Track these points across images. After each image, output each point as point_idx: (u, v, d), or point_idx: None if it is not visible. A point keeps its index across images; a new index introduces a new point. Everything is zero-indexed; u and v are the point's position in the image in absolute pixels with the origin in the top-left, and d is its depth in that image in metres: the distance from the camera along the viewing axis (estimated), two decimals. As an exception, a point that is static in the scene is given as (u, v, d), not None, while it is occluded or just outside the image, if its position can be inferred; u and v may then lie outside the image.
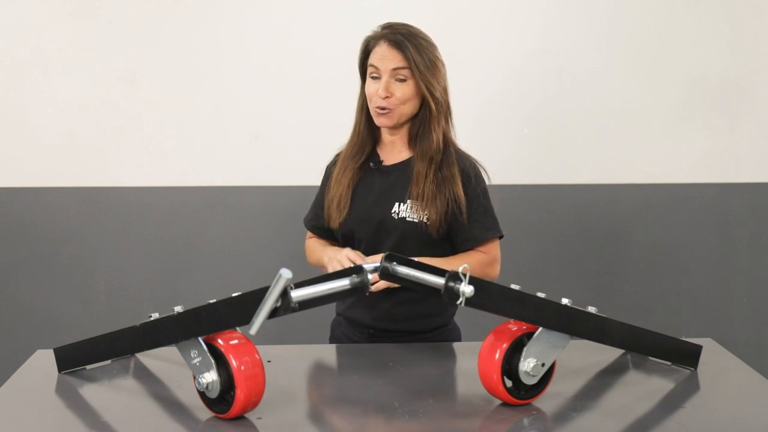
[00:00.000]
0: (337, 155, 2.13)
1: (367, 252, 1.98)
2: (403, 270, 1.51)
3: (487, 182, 2.03)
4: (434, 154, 1.97)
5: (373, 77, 1.96)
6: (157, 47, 2.94)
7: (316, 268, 2.10)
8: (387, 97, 1.93)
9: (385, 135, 2.05)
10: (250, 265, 3.03)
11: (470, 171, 2.00)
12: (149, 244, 3.03)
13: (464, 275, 1.41)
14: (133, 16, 2.92)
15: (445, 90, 1.99)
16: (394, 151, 2.05)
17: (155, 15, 2.93)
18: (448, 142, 2.01)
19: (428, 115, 1.97)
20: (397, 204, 1.97)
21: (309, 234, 2.19)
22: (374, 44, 1.97)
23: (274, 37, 2.96)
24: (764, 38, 3.03)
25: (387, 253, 1.52)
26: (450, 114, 2.03)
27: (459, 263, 1.84)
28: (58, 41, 2.92)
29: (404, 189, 1.98)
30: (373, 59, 1.96)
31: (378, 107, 1.95)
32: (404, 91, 1.94)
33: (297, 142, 2.98)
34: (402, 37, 1.94)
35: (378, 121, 1.98)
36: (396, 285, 1.63)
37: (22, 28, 2.92)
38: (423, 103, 1.97)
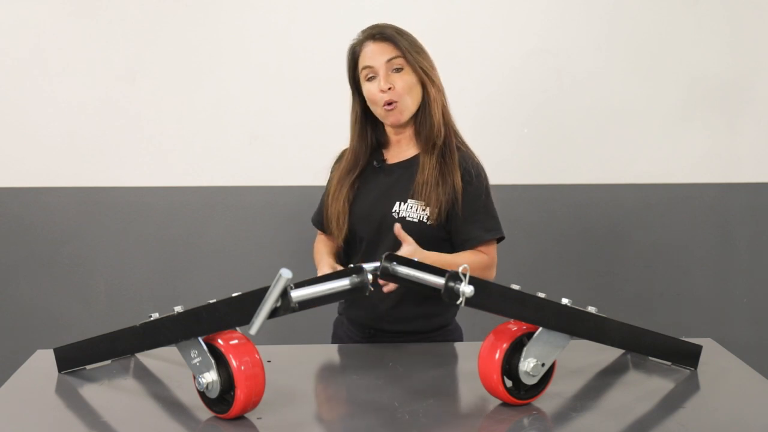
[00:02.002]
0: (342, 153, 2.13)
1: (368, 251, 1.98)
2: (403, 270, 1.51)
3: (488, 181, 2.04)
4: (436, 138, 1.97)
5: (369, 79, 1.96)
6: (157, 47, 2.94)
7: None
8: (390, 88, 1.93)
9: (392, 135, 2.05)
10: (250, 265, 3.03)
11: (471, 170, 1.99)
12: (149, 244, 3.03)
13: (464, 275, 1.41)
14: (133, 16, 2.92)
15: (437, 75, 2.01)
16: (399, 150, 2.05)
17: (155, 15, 2.93)
18: (449, 123, 2.02)
19: (428, 100, 1.98)
20: (397, 203, 1.97)
21: (318, 232, 2.19)
22: (360, 48, 1.98)
23: (274, 37, 2.96)
24: (764, 38, 3.03)
25: (387, 253, 1.53)
26: (445, 94, 2.03)
27: (459, 261, 1.86)
28: (58, 41, 2.92)
29: (406, 188, 1.98)
30: (364, 61, 1.97)
31: (384, 104, 1.94)
32: (404, 79, 1.94)
33: (297, 142, 2.98)
34: (387, 30, 1.96)
35: (389, 120, 1.97)
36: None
37: (22, 28, 2.92)
38: (422, 91, 1.98)
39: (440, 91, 2.00)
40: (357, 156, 2.05)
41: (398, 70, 1.94)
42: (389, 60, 1.94)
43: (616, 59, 3.01)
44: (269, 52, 2.96)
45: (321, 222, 2.14)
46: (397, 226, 1.83)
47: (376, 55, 1.94)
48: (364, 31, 2.00)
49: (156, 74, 2.96)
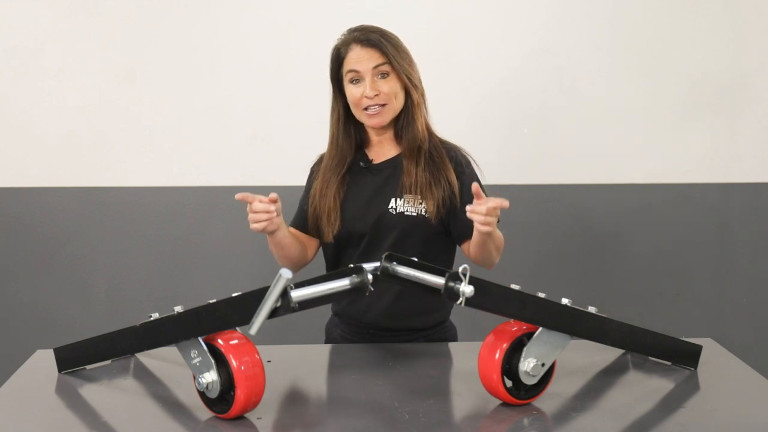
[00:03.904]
0: (322, 156, 2.12)
1: (369, 251, 1.97)
2: (403, 270, 1.51)
3: (477, 172, 2.06)
4: (422, 142, 1.99)
5: (353, 82, 1.97)
6: (156, 47, 2.94)
7: (316, 270, 2.10)
8: (376, 95, 1.94)
9: (373, 136, 2.05)
10: (250, 265, 3.03)
11: (462, 160, 2.02)
12: (149, 244, 3.03)
13: (464, 275, 1.41)
14: (133, 16, 2.92)
15: (419, 77, 2.02)
16: (382, 150, 2.06)
17: (155, 14, 2.93)
18: (429, 127, 2.04)
19: (410, 104, 1.99)
20: (393, 200, 1.98)
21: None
22: (346, 50, 1.99)
23: (274, 37, 2.96)
24: (764, 38, 3.03)
25: (387, 252, 1.53)
26: (425, 96, 2.04)
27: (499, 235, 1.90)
28: (58, 41, 2.92)
29: (397, 185, 1.99)
30: (350, 64, 1.97)
31: (367, 108, 1.95)
32: (390, 85, 1.96)
33: (297, 142, 2.98)
34: (373, 35, 1.96)
35: (371, 122, 1.98)
36: None
37: (22, 28, 2.91)
38: (406, 95, 1.99)
39: (422, 95, 2.02)
40: (343, 153, 2.04)
41: (384, 75, 1.96)
42: (376, 66, 1.95)
43: (616, 59, 3.01)
44: (269, 52, 2.96)
45: (301, 223, 2.10)
46: (475, 185, 1.74)
47: (362, 60, 1.95)
48: (350, 33, 2.00)
49: (156, 74, 2.96)
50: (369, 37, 1.96)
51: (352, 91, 1.97)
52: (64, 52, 2.93)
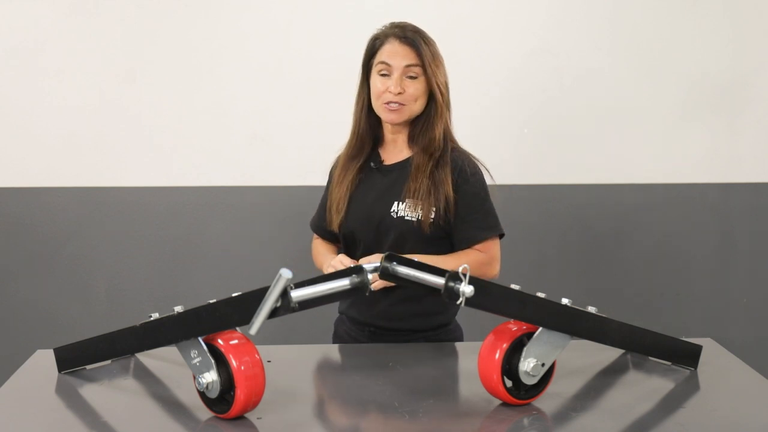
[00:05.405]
0: (338, 157, 2.13)
1: (367, 252, 1.98)
2: (403, 270, 1.51)
3: (489, 181, 2.04)
4: (434, 150, 1.98)
5: (382, 74, 1.96)
6: (156, 47, 2.94)
7: (316, 270, 2.10)
8: (400, 93, 1.93)
9: (387, 134, 2.05)
10: (250, 265, 3.03)
11: (468, 169, 1.99)
12: (149, 244, 3.03)
13: (464, 275, 1.41)
14: (133, 16, 2.92)
15: (447, 85, 2.01)
16: (395, 150, 2.05)
17: (155, 14, 2.93)
18: (448, 137, 2.03)
19: (432, 111, 1.98)
20: (395, 203, 1.98)
21: (315, 236, 2.20)
22: (383, 42, 1.98)
23: (274, 37, 2.96)
24: (764, 38, 3.03)
25: (387, 253, 1.53)
26: (450, 108, 2.04)
27: (455, 262, 1.86)
28: (58, 41, 2.92)
29: (401, 187, 1.98)
30: (382, 56, 1.96)
31: (389, 103, 1.95)
32: (416, 87, 1.95)
33: (297, 142, 2.98)
34: (414, 35, 1.96)
35: (387, 117, 1.98)
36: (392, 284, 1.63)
37: (22, 28, 2.91)
38: (428, 101, 1.99)
39: (447, 107, 2.01)
40: (362, 142, 2.05)
41: (413, 77, 1.95)
42: (408, 65, 1.94)
43: (616, 59, 3.01)
44: (269, 52, 2.96)
45: (320, 226, 2.14)
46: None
47: (396, 55, 1.95)
48: (392, 26, 2.00)
49: (156, 74, 2.96)
50: (408, 35, 1.96)
51: (376, 83, 1.97)
52: (64, 52, 2.93)
